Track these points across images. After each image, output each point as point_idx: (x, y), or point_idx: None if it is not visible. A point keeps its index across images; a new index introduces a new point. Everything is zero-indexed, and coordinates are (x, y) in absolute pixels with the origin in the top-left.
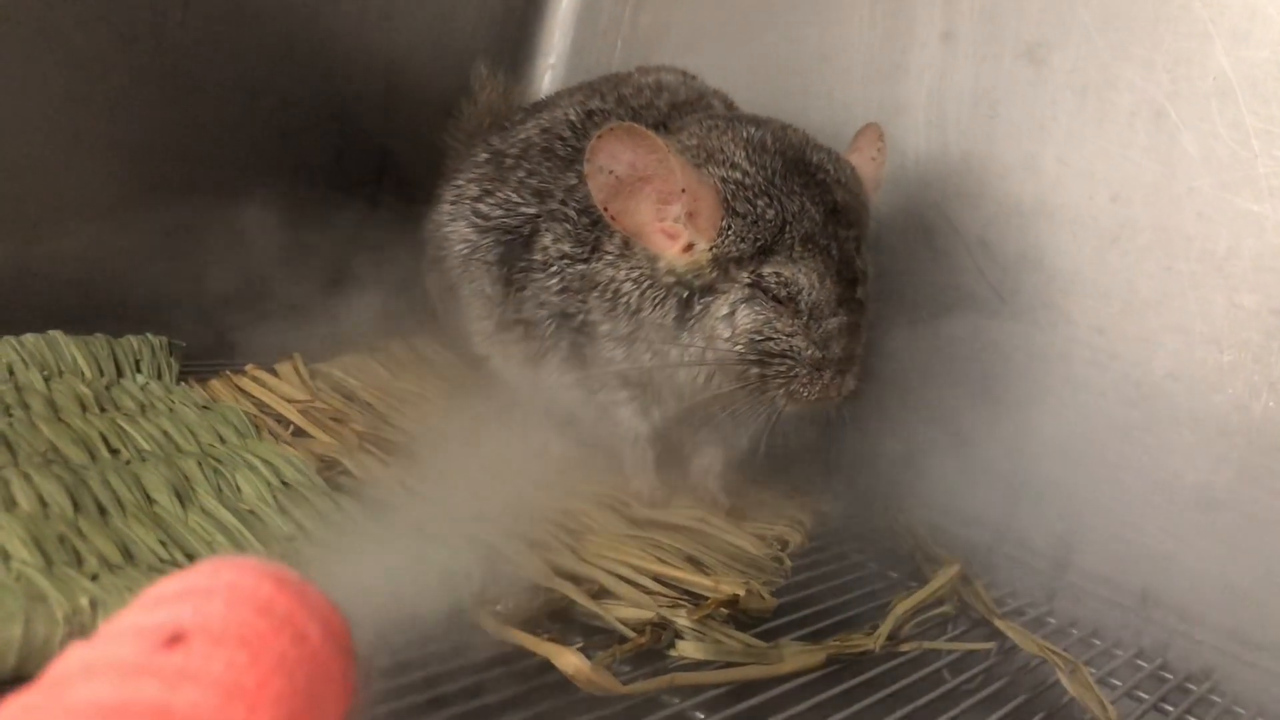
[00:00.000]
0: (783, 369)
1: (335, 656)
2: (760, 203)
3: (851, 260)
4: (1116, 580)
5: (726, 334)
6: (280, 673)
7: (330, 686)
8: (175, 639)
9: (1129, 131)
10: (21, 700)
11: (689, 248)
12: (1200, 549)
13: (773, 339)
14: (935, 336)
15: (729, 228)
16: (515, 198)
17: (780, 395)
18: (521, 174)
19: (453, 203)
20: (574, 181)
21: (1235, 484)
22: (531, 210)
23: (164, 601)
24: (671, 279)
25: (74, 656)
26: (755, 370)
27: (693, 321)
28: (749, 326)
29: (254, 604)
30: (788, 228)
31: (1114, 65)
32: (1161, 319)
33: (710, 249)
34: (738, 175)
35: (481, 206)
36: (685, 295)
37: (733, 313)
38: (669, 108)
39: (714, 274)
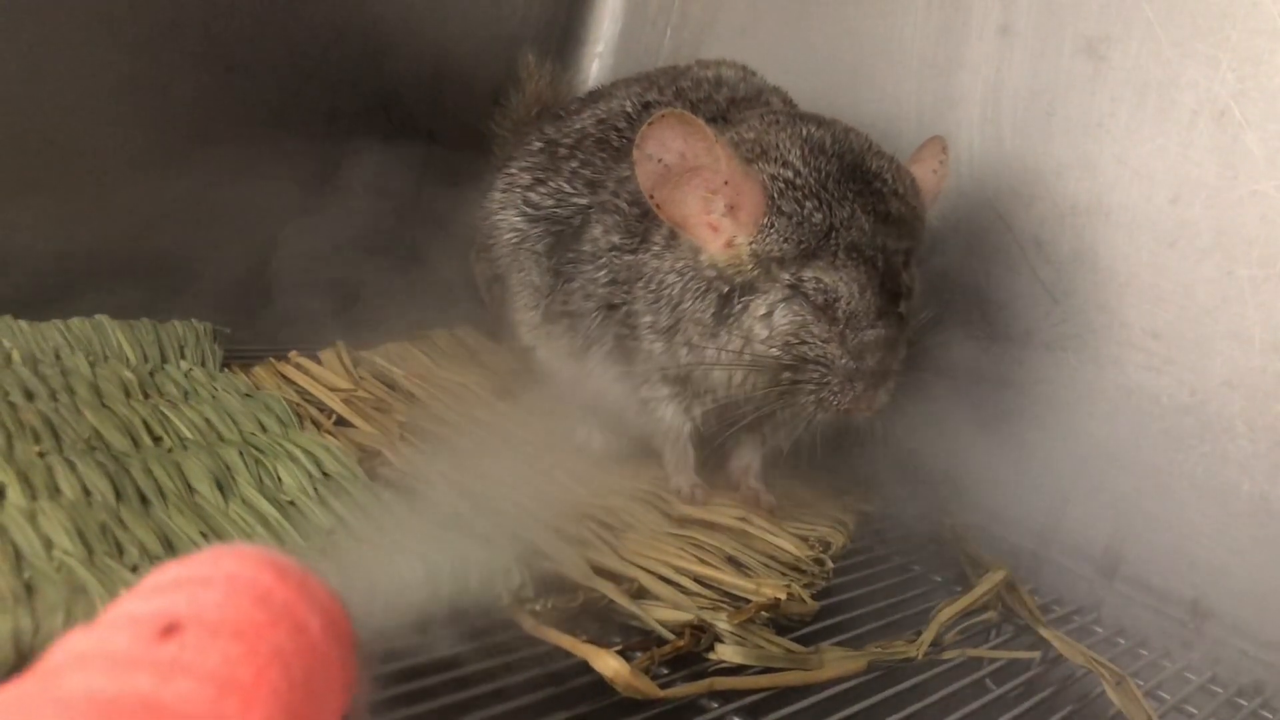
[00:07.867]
0: (815, 375)
1: (335, 649)
2: (809, 205)
3: (897, 274)
4: (1166, 590)
5: (763, 334)
6: (277, 665)
7: (330, 680)
8: (170, 629)
9: (1190, 131)
10: (14, 689)
11: (731, 242)
12: (1254, 561)
13: (808, 343)
14: (985, 336)
15: (771, 225)
16: (567, 188)
17: (810, 402)
18: (575, 164)
19: (504, 191)
20: (627, 173)
21: None
22: (583, 201)
23: (161, 590)
24: (713, 273)
25: (69, 644)
26: (788, 374)
27: (731, 318)
28: (785, 328)
29: (252, 594)
30: (834, 234)
31: (1177, 62)
32: (1219, 325)
33: (750, 244)
34: (789, 174)
35: (533, 196)
36: (725, 290)
37: (770, 313)
38: (727, 103)
39: (755, 272)
